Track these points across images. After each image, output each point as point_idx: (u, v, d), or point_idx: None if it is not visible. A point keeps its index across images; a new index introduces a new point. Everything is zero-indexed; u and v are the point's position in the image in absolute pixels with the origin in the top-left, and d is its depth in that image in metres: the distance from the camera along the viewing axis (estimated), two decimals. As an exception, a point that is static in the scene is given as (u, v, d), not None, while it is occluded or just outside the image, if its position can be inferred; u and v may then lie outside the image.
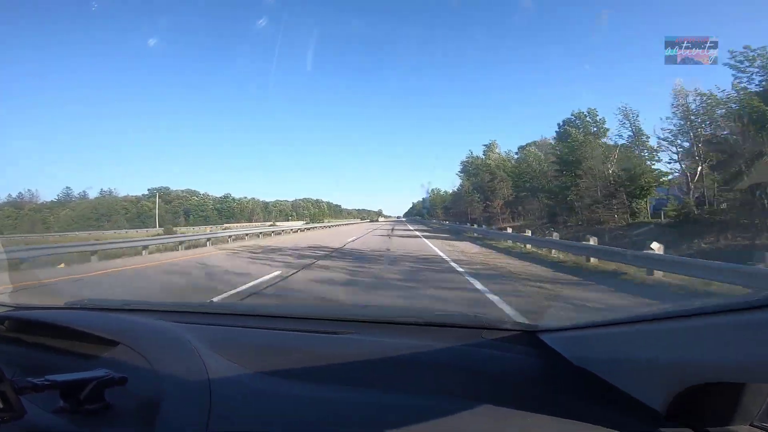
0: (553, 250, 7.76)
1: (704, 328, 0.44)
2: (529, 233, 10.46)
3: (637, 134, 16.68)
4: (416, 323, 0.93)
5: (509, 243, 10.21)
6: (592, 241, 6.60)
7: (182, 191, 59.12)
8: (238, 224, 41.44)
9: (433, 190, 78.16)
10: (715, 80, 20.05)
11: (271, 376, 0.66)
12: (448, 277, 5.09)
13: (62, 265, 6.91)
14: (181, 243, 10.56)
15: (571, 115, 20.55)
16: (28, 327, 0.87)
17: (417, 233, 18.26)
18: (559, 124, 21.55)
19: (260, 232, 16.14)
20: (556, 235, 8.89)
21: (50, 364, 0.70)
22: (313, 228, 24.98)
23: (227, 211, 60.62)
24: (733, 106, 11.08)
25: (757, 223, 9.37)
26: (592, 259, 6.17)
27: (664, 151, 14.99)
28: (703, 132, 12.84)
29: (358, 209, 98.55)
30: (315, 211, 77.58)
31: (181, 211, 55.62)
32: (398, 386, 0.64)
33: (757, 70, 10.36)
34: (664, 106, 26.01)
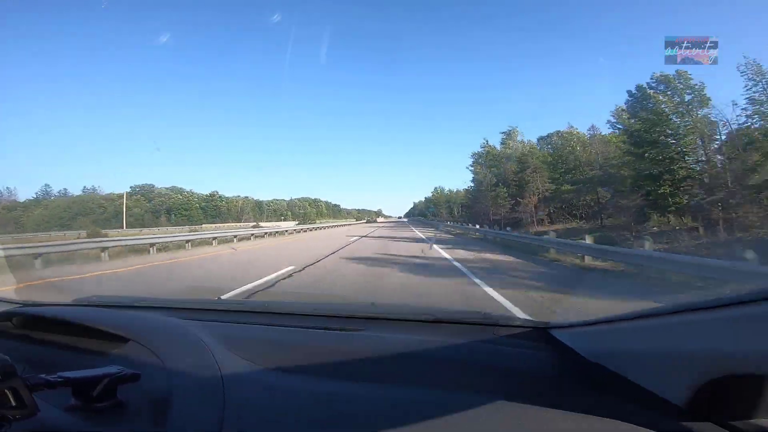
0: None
1: (726, 319, 0.46)
2: (649, 246, 5.69)
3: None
4: (426, 320, 1.00)
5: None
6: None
7: (166, 189, 58.88)
8: (215, 225, 39.52)
9: (436, 188, 79.06)
10: (715, 80, 21.79)
11: (282, 372, 0.71)
12: None
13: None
14: (105, 249, 8.50)
15: (651, 79, 15.11)
16: (37, 324, 0.91)
17: (440, 250, 9.38)
18: (631, 92, 16.15)
19: (235, 235, 13.98)
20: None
21: (60, 360, 0.74)
22: (301, 230, 22.52)
23: (213, 210, 59.91)
24: None
25: None
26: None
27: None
28: None
29: (358, 209, 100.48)
30: (312, 211, 78.14)
31: (163, 209, 55.02)
32: (409, 382, 0.69)
33: None
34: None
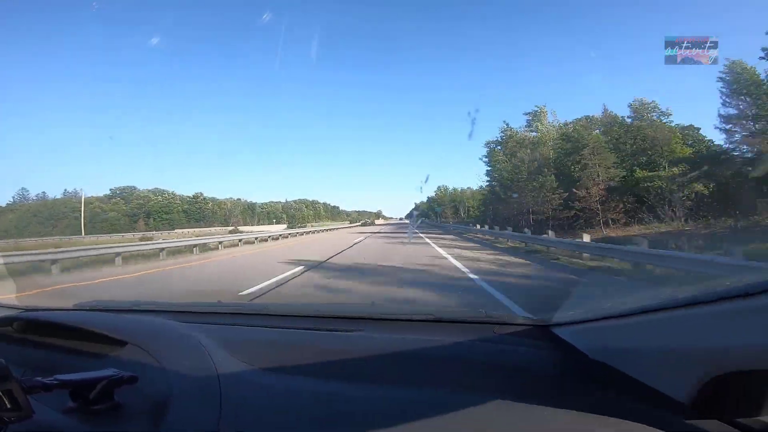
0: None
1: (731, 312, 0.47)
2: None
3: None
4: (426, 320, 1.06)
5: None
6: None
7: (148, 191, 58.30)
8: (186, 231, 38.10)
9: (439, 187, 79.00)
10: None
11: (279, 374, 0.76)
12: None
13: None
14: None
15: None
16: (37, 328, 0.98)
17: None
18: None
19: (196, 245, 11.81)
20: None
21: (60, 364, 0.79)
22: (287, 235, 20.63)
23: (197, 212, 59.03)
24: None
25: None
26: None
27: None
28: None
29: (358, 211, 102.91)
30: (309, 213, 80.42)
31: (141, 213, 54.49)
32: (409, 382, 0.74)
33: None
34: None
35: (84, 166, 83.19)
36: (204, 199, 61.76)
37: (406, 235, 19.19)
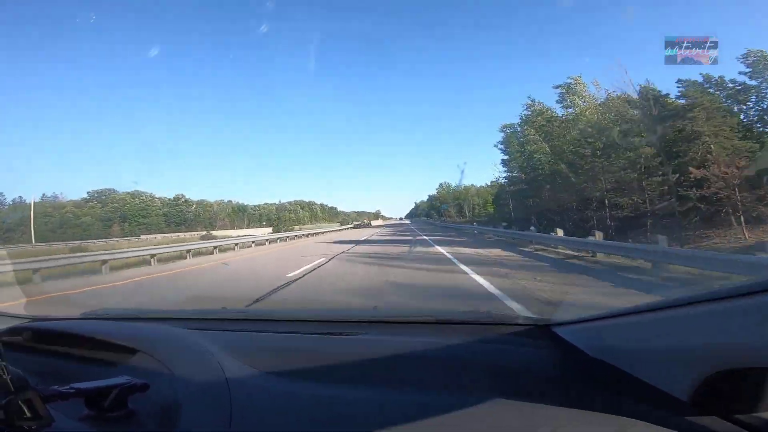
0: None
1: (731, 311, 0.51)
2: None
3: None
4: (428, 322, 1.17)
5: None
6: None
7: (126, 193, 57.58)
8: (160, 236, 37.00)
9: (442, 185, 77.10)
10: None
11: (286, 378, 0.83)
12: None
13: None
14: None
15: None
16: (47, 338, 1.07)
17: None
18: None
19: (154, 255, 10.79)
20: None
21: (71, 373, 0.86)
22: (267, 242, 19.33)
23: (177, 216, 58.06)
24: None
25: None
26: None
27: None
28: None
29: (357, 211, 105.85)
30: (305, 215, 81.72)
31: (116, 217, 53.77)
32: (412, 383, 0.81)
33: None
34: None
35: (69, 170, 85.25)
36: (186, 201, 61.04)
37: (407, 241, 15.51)
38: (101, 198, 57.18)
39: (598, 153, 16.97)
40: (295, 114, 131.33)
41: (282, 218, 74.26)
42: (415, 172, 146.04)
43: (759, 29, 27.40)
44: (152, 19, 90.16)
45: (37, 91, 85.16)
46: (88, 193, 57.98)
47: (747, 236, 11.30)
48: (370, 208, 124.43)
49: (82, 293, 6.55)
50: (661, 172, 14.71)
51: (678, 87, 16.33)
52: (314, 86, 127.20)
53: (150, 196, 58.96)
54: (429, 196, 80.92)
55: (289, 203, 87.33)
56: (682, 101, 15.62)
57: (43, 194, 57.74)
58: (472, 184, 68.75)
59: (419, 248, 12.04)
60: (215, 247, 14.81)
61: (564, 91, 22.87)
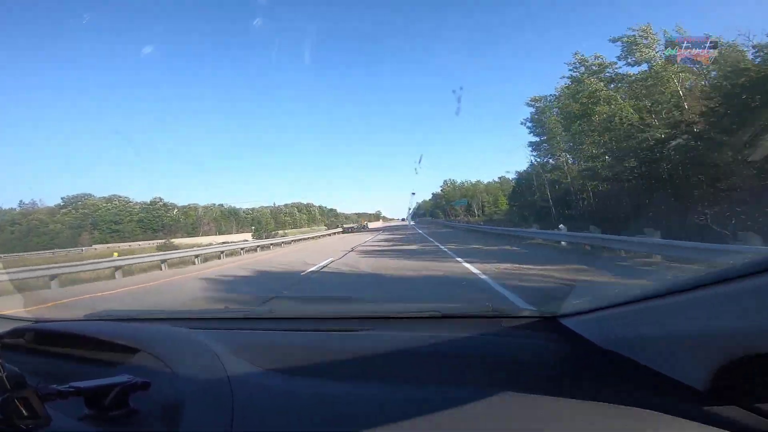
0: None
1: (747, 292, 0.51)
2: None
3: None
4: (433, 316, 1.23)
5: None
6: None
7: (102, 198, 57.28)
8: (115, 245, 35.49)
9: (446, 181, 70.27)
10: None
11: (290, 375, 0.89)
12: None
13: None
14: None
15: None
16: (49, 339, 1.15)
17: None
18: None
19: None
20: None
21: (73, 373, 0.89)
22: (242, 250, 16.68)
23: (154, 221, 57.10)
24: None
25: None
26: None
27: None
28: None
29: (358, 213, 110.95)
30: (302, 218, 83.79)
31: (87, 224, 53.13)
32: (418, 378, 0.86)
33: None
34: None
35: (49, 175, 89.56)
36: (164, 204, 60.17)
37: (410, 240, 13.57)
38: (76, 204, 56.84)
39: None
40: (293, 114, 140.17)
41: (279, 221, 74.52)
42: (415, 172, 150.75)
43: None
44: (138, 15, 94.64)
45: (18, 93, 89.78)
46: (62, 198, 57.84)
47: None
48: (371, 210, 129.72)
49: None
50: None
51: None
52: (312, 84, 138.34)
53: (125, 200, 58.22)
54: (432, 194, 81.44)
55: (285, 206, 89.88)
56: None
57: (20, 201, 57.61)
58: (479, 181, 69.63)
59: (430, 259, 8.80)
60: (163, 261, 12.41)
61: (629, 43, 17.88)
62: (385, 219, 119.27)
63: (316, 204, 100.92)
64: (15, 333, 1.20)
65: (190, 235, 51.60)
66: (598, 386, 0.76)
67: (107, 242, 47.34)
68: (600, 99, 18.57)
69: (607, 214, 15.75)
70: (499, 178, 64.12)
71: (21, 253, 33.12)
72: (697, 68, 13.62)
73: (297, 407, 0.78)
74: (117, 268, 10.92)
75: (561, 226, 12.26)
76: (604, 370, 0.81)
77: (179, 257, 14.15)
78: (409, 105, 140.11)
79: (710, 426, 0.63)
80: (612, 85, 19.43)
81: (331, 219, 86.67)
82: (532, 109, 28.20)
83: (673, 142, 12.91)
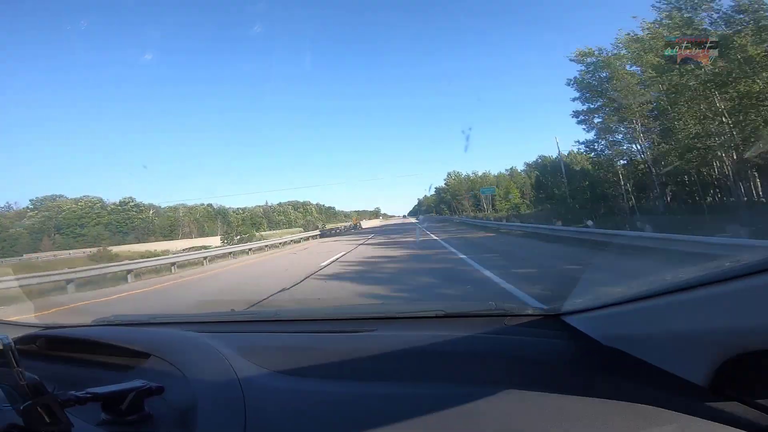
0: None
1: (747, 290, 0.58)
2: None
3: None
4: (436, 316, 1.36)
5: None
6: None
7: (72, 200, 56.94)
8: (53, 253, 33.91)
9: (450, 174, 68.77)
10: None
11: (297, 376, 0.98)
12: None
13: None
14: None
15: None
16: (60, 345, 1.27)
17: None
18: None
19: None
20: None
21: (85, 378, 0.98)
22: (202, 260, 14.59)
23: (123, 224, 56.51)
24: None
25: None
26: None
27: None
28: None
29: (358, 211, 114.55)
30: (297, 217, 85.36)
31: (49, 227, 52.87)
32: (423, 377, 0.95)
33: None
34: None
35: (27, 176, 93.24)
36: (136, 205, 59.43)
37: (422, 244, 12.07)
38: (45, 205, 56.42)
39: None
40: (289, 110, 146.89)
41: (272, 221, 74.30)
42: (417, 168, 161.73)
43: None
44: (119, 11, 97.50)
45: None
46: (31, 201, 57.31)
47: None
48: (370, 207, 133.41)
49: None
50: None
51: None
52: (309, 78, 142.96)
53: (92, 200, 57.24)
54: (436, 188, 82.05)
55: (279, 204, 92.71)
56: None
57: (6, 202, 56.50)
58: (488, 171, 70.52)
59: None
60: (69, 282, 9.96)
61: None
62: (385, 216, 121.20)
63: (314, 202, 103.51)
64: (26, 339, 1.30)
65: (167, 238, 50.15)
66: (602, 383, 0.84)
67: (71, 248, 48.13)
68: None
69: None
70: (509, 169, 64.87)
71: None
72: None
73: (307, 408, 0.86)
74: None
75: (589, 222, 11.86)
76: (607, 367, 0.88)
77: (104, 272, 11.50)
78: (410, 98, 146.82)
79: (713, 422, 0.69)
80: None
81: (341, 218, 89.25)
82: (581, 67, 22.12)
83: None
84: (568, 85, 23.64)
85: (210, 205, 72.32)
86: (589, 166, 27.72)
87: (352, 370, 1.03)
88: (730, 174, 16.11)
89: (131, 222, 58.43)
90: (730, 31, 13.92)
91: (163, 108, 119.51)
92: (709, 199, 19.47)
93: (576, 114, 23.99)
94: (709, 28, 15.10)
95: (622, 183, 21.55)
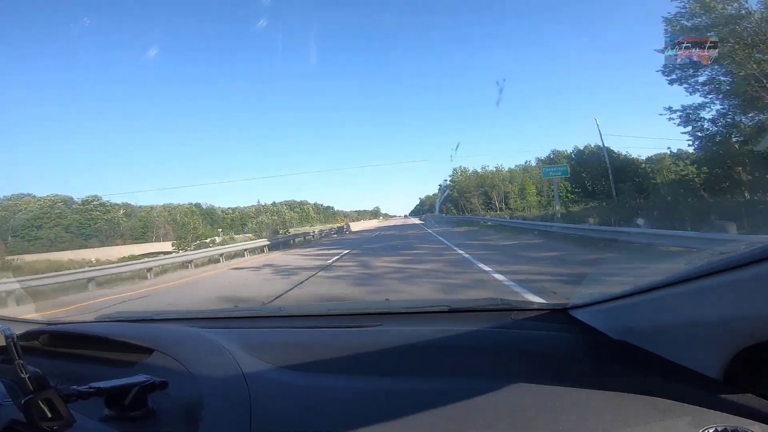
0: None
1: (759, 278, 0.61)
2: None
3: None
4: (442, 311, 1.48)
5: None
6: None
7: (43, 198, 56.22)
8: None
9: (456, 170, 66.08)
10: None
11: (302, 372, 1.05)
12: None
13: None
14: None
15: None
16: (63, 341, 1.35)
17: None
18: None
19: None
20: None
21: (89, 374, 1.04)
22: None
23: (86, 225, 55.41)
24: None
25: None
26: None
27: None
28: None
29: (358, 211, 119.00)
30: (292, 217, 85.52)
31: (6, 228, 51.95)
32: (428, 372, 1.03)
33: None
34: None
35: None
36: (101, 204, 58.20)
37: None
38: (3, 205, 55.90)
39: None
40: (287, 108, 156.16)
41: (286, 222, 74.73)
42: (418, 167, 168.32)
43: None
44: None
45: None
46: None
47: None
48: (371, 207, 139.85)
49: None
50: None
51: None
52: (309, 78, 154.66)
53: (52, 198, 56.14)
54: (439, 185, 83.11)
55: (273, 204, 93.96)
56: None
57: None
58: (497, 167, 71.27)
59: None
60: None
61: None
62: (386, 216, 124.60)
63: (311, 201, 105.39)
64: (29, 335, 1.39)
65: (137, 241, 48.01)
66: (611, 376, 0.90)
67: (27, 252, 48.72)
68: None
69: None
70: (525, 163, 65.51)
71: None
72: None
73: (312, 403, 0.94)
74: None
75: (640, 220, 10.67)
76: (616, 360, 0.95)
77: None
78: (412, 96, 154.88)
79: (725, 413, 0.74)
80: None
81: (340, 217, 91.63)
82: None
83: None
84: (660, 72, 18.86)
85: (197, 204, 71.97)
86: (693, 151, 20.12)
87: (357, 365, 1.10)
88: None
89: (94, 223, 56.94)
90: None
91: (162, 108, 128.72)
92: None
93: (670, 68, 17.74)
94: None
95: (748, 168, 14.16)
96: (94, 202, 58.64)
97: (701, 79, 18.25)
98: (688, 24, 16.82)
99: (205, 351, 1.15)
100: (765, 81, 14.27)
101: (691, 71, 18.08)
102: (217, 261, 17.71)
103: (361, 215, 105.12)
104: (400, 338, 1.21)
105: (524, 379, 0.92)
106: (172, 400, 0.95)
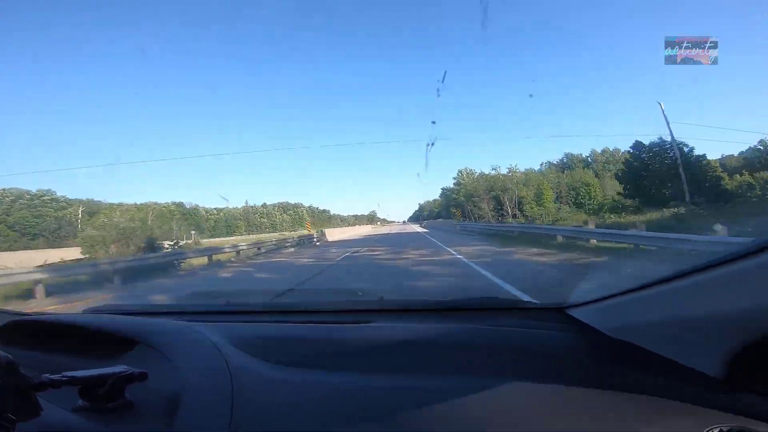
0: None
1: (758, 269, 0.66)
2: None
3: None
4: (435, 309, 1.59)
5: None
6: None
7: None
8: None
9: (461, 171, 65.44)
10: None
11: (291, 368, 1.10)
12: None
13: None
14: None
15: None
16: (45, 332, 1.44)
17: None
18: None
19: None
20: None
21: (69, 366, 1.06)
22: None
23: (32, 222, 54.62)
24: None
25: None
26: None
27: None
28: None
29: (356, 215, 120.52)
30: (285, 219, 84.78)
31: None
32: (421, 369, 1.08)
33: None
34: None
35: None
36: (53, 200, 57.30)
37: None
38: None
39: None
40: (286, 108, 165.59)
41: (253, 223, 72.52)
42: (418, 166, 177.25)
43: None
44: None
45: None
46: None
47: None
48: (367, 212, 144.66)
49: None
50: None
51: None
52: (308, 82, 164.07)
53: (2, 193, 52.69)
54: (442, 188, 74.40)
55: (263, 205, 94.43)
56: None
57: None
58: (514, 166, 71.11)
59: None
60: None
61: None
62: (383, 222, 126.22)
63: (306, 204, 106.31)
64: (10, 326, 1.47)
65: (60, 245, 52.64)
66: (612, 375, 0.96)
67: None
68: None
69: None
70: (541, 164, 64.97)
71: None
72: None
73: (299, 398, 0.99)
74: None
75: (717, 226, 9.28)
76: (614, 359, 1.01)
77: None
78: (411, 94, 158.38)
79: (727, 413, 0.79)
80: None
81: (337, 222, 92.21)
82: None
83: None
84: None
85: (180, 203, 70.77)
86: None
87: (347, 361, 1.16)
88: None
89: (42, 221, 56.15)
90: None
91: (160, 107, 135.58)
92: None
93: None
94: None
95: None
96: (45, 197, 56.99)
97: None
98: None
99: (190, 344, 1.22)
100: None
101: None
102: None
103: (358, 220, 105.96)
104: (395, 335, 1.29)
105: (520, 378, 0.98)
106: (152, 392, 0.99)
